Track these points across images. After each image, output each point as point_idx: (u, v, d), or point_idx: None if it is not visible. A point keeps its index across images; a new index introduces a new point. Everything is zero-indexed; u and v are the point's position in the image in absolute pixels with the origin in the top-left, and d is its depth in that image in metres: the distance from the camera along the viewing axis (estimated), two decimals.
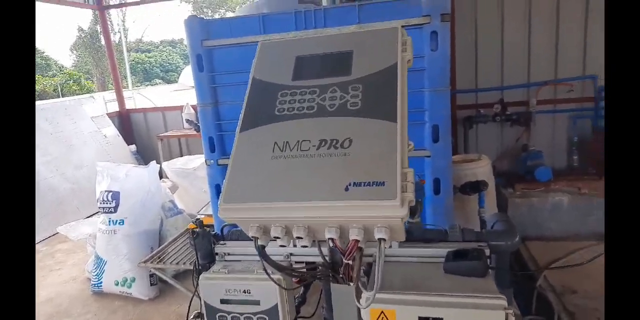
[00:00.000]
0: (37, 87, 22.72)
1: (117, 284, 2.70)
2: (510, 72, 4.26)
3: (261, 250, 1.00)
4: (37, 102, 5.79)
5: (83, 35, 27.95)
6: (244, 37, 2.24)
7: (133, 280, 2.68)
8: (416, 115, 2.01)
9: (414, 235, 1.21)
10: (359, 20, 2.09)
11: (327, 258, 1.16)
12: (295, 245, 0.99)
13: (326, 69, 1.09)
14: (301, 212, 0.91)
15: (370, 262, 1.16)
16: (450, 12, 2.02)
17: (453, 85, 4.14)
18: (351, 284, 1.02)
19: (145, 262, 2.39)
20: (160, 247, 2.60)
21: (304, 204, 0.90)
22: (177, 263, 2.37)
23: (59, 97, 21.15)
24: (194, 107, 5.70)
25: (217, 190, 2.35)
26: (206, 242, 1.30)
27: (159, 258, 2.48)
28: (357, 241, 0.91)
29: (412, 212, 1.26)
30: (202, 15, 2.37)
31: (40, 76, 26.87)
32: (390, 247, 1.15)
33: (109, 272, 2.71)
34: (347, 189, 0.88)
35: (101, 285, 2.75)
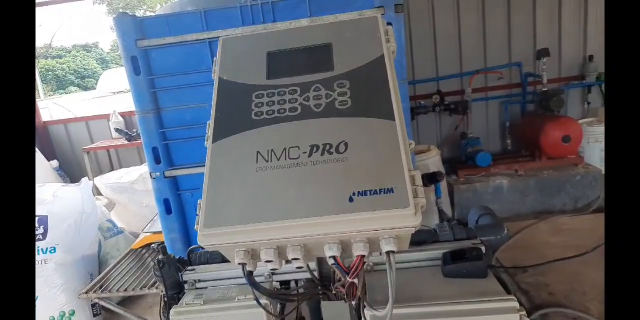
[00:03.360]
0: None
1: None
2: (444, 63, 4.41)
3: (250, 277, 0.86)
4: None
5: None
6: (184, 35, 2.04)
7: (72, 313, 2.35)
8: None
9: None
10: (310, 13, 1.99)
11: (315, 274, 1.05)
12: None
13: (304, 64, 0.98)
14: (299, 231, 0.78)
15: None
16: (402, 2, 1.98)
17: None
18: (348, 301, 0.93)
19: (86, 292, 2.10)
20: (102, 274, 2.31)
21: (303, 221, 0.78)
22: (125, 289, 2.11)
23: None
24: (122, 114, 5.27)
25: (165, 205, 2.13)
26: (172, 271, 1.13)
27: (102, 286, 2.21)
28: (362, 257, 0.81)
29: None
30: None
31: None
32: (380, 254, 1.07)
33: (43, 308, 2.35)
34: (351, 200, 0.77)
35: None
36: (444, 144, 4.66)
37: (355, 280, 0.85)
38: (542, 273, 2.67)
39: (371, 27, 1.01)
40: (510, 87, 4.50)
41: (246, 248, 0.82)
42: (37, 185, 2.58)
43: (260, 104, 0.93)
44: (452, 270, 1.03)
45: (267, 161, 0.85)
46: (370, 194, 0.77)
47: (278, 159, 0.84)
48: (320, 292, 1.04)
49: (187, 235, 2.14)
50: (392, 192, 0.76)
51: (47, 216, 2.40)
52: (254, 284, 0.87)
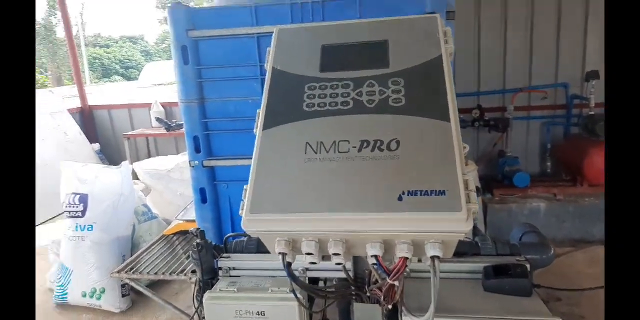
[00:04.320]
0: None
1: (84, 296, 2.44)
2: (487, 78, 4.30)
3: (289, 267, 0.86)
4: None
5: (37, 27, 26.43)
6: (234, 28, 2.07)
7: (103, 291, 2.43)
8: None
9: None
10: (359, 15, 1.98)
11: (350, 274, 1.04)
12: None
13: (359, 60, 0.97)
14: (343, 226, 0.77)
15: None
16: (454, 10, 1.95)
17: None
18: (384, 305, 0.90)
19: (118, 272, 2.16)
20: (134, 255, 2.37)
21: (348, 215, 0.77)
22: (156, 273, 2.16)
23: None
24: (163, 104, 5.42)
25: (201, 194, 2.16)
26: (209, 256, 1.14)
27: (132, 268, 2.26)
28: (406, 259, 0.79)
29: None
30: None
31: None
32: (419, 260, 1.04)
33: (76, 282, 2.45)
34: (400, 199, 0.76)
35: (66, 297, 2.49)
36: (480, 160, 4.54)
37: (396, 283, 0.83)
38: (577, 304, 2.55)
39: (430, 27, 0.99)
40: (554, 108, 4.34)
41: (287, 238, 0.82)
42: (80, 164, 2.68)
43: (312, 96, 0.93)
44: (494, 285, 0.99)
45: (315, 153, 0.84)
46: (420, 195, 0.75)
47: (327, 152, 0.84)
48: (353, 293, 1.03)
49: (220, 225, 2.17)
50: (444, 194, 0.74)
51: (87, 195, 2.49)
52: (292, 275, 0.87)
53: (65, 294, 2.49)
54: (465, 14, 4.15)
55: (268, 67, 1.01)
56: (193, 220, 2.51)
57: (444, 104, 0.85)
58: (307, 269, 1.11)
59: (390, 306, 0.90)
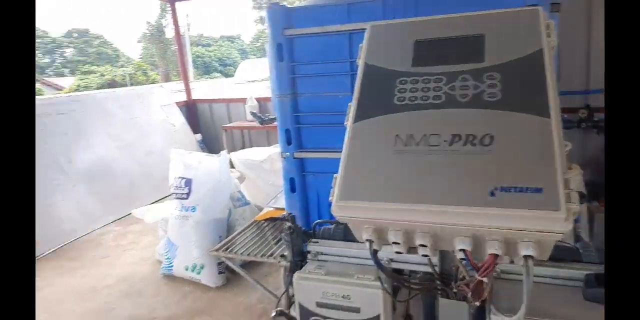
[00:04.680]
0: (107, 76, 24.25)
1: (187, 270, 2.74)
2: (597, 75, 3.86)
3: (375, 255, 0.90)
4: (112, 90, 6.07)
5: (150, 29, 29.42)
6: (327, 26, 2.14)
7: (202, 267, 2.70)
8: None
9: None
10: (454, 9, 1.92)
11: (436, 269, 1.04)
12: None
13: (453, 54, 0.96)
14: (433, 218, 0.79)
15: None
16: (560, 1, 1.80)
17: None
18: (472, 302, 0.90)
19: (216, 250, 2.38)
20: (230, 237, 2.59)
21: (437, 207, 0.78)
22: (248, 254, 2.34)
23: (126, 86, 22.41)
24: (257, 99, 5.75)
25: (291, 184, 2.29)
26: (299, 239, 1.23)
27: (228, 248, 2.47)
28: (496, 256, 0.78)
29: None
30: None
31: (110, 66, 28.62)
32: (511, 262, 1.01)
33: (180, 257, 2.75)
34: (492, 194, 0.75)
35: (172, 269, 2.81)
36: (586, 165, 4.11)
37: (485, 280, 0.83)
38: None
39: (530, 20, 0.95)
40: None
41: (375, 226, 0.86)
42: (186, 152, 2.99)
43: (403, 90, 0.95)
44: (597, 295, 0.92)
45: (405, 145, 0.87)
46: (514, 191, 0.74)
47: (417, 144, 0.86)
48: (439, 288, 1.03)
49: (307, 213, 2.28)
50: (540, 192, 0.72)
51: (192, 180, 2.78)
52: (378, 263, 0.91)
53: (171, 266, 2.81)
54: (575, 5, 3.78)
55: (360, 62, 1.05)
56: (282, 208, 2.67)
57: (543, 99, 0.82)
58: (391, 260, 1.14)
59: (477, 304, 0.90)
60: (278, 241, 2.46)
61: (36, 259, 3.31)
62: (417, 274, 1.12)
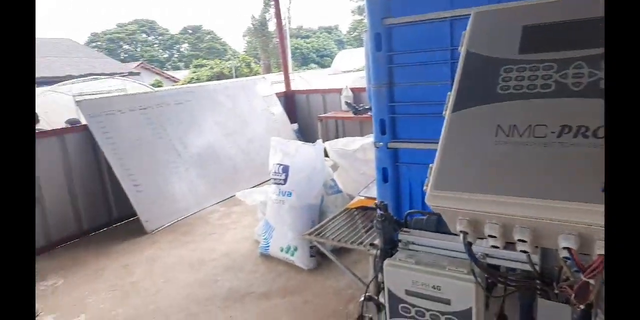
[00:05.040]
0: (216, 69, 26.30)
1: (282, 250, 2.92)
2: None
3: (469, 248, 0.89)
4: (220, 82, 6.60)
5: (254, 23, 31.09)
6: (427, 13, 2.09)
7: (295, 249, 2.86)
8: None
9: None
10: None
11: (536, 267, 0.99)
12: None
13: (566, 40, 0.89)
14: (535, 212, 0.76)
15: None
16: None
17: None
18: (575, 305, 0.84)
19: (309, 234, 2.50)
20: (322, 223, 2.70)
21: (540, 202, 0.75)
22: (339, 240, 2.42)
23: (232, 78, 24.11)
24: (352, 90, 5.79)
25: (383, 173, 2.30)
26: (391, 227, 1.25)
27: (320, 232, 2.58)
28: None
29: None
30: None
31: (219, 60, 30.99)
32: None
33: (276, 238, 2.94)
34: (604, 190, 0.70)
35: (268, 249, 3.02)
36: None
37: (591, 281, 0.77)
38: None
39: None
40: None
41: (470, 218, 0.85)
42: (285, 140, 3.17)
43: (508, 79, 0.91)
44: None
45: (507, 136, 0.83)
46: None
47: (520, 135, 0.82)
48: (539, 287, 0.98)
49: (398, 204, 2.28)
50: None
51: (289, 166, 2.94)
52: (472, 255, 0.90)
53: (268, 246, 3.01)
54: None
55: (462, 50, 1.03)
56: (373, 198, 2.69)
57: None
58: (486, 255, 1.11)
59: (582, 307, 0.84)
60: (368, 230, 2.50)
61: (156, 231, 3.78)
62: (514, 272, 1.07)
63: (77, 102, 4.10)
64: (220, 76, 24.50)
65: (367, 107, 5.16)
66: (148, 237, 3.69)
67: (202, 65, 28.31)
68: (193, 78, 26.04)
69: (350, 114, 5.46)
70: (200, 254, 3.30)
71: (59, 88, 10.27)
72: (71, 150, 3.80)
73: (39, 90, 10.40)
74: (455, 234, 0.90)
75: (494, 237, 0.83)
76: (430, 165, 0.90)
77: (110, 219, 4.06)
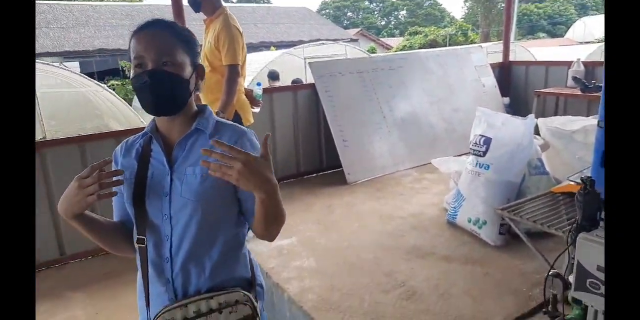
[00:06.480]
0: (430, 37, 25.82)
1: (469, 221, 2.96)
2: None
3: None
4: (433, 50, 6.56)
5: None
6: None
7: (484, 223, 2.85)
8: None
9: None
10: None
11: None
12: None
13: None
14: None
15: None
16: None
17: None
18: None
19: (502, 209, 2.47)
20: (519, 201, 2.60)
21: None
22: (534, 221, 2.32)
23: (445, 46, 23.35)
24: (585, 64, 5.02)
25: (602, 157, 2.07)
26: (594, 204, 1.20)
27: (514, 210, 2.50)
28: None
29: None
30: None
31: (435, 27, 30.21)
32: None
33: (465, 208, 2.98)
34: None
35: (456, 217, 3.10)
36: None
37: None
38: None
39: None
40: None
41: None
42: (492, 111, 3.08)
43: None
44: None
45: None
46: None
47: None
48: None
49: None
50: None
51: (491, 139, 2.87)
52: None
53: (456, 214, 3.09)
54: None
55: None
56: None
57: None
58: None
59: None
60: (570, 218, 2.31)
61: (355, 183, 4.27)
62: None
63: (310, 64, 4.80)
64: (433, 44, 24.03)
65: (599, 84, 4.43)
66: (347, 187, 4.20)
67: (417, 33, 28.17)
68: (405, 46, 26.29)
69: (577, 91, 4.80)
70: (390, 209, 3.61)
71: (294, 51, 11.96)
72: (300, 104, 4.56)
73: (277, 53, 12.47)
74: None
75: None
76: None
77: (321, 166, 4.76)
